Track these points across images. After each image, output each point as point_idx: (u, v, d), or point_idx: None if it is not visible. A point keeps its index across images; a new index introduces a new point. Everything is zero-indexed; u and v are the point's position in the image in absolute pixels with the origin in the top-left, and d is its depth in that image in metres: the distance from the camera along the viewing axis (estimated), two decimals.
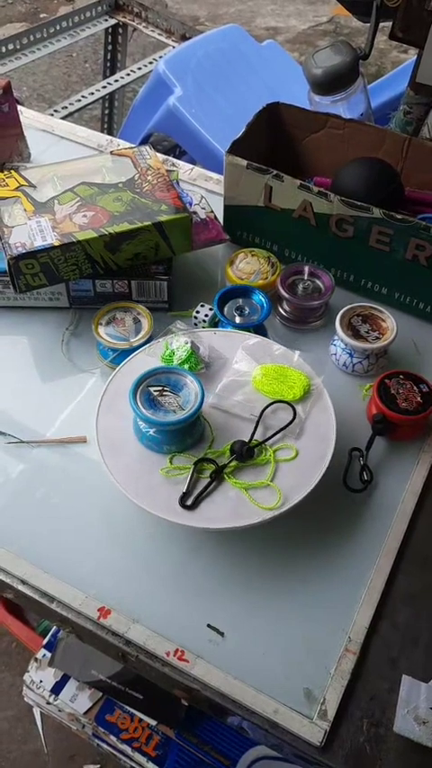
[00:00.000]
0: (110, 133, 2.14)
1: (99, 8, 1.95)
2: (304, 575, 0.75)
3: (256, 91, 1.61)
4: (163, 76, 1.61)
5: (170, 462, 0.75)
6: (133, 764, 1.12)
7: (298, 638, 0.71)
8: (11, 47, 1.80)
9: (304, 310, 0.96)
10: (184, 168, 1.20)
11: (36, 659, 1.20)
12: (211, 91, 1.61)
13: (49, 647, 1.21)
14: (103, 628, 0.71)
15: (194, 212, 1.03)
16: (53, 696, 1.16)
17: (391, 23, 1.04)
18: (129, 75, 1.93)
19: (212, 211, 1.05)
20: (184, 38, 1.91)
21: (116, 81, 1.92)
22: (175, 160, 1.23)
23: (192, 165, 1.22)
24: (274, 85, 1.64)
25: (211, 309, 0.92)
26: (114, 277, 0.92)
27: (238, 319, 0.90)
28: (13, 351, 0.94)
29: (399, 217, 0.88)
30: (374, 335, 0.90)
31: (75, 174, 0.96)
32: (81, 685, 1.16)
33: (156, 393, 0.75)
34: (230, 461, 0.75)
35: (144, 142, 1.69)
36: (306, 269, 0.97)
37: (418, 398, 0.83)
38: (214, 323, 0.92)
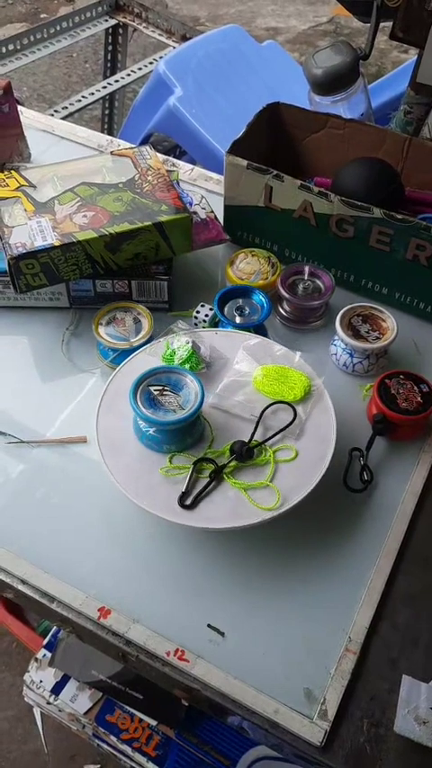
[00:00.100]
0: (110, 133, 2.14)
1: (99, 8, 1.95)
2: (304, 575, 0.75)
3: (257, 91, 1.61)
4: (163, 77, 1.61)
5: (170, 462, 0.75)
6: (133, 764, 1.12)
7: (298, 638, 0.71)
8: (11, 47, 1.80)
9: (304, 310, 0.96)
10: (184, 168, 1.20)
11: (36, 659, 1.20)
12: (212, 91, 1.61)
13: (49, 647, 1.21)
14: (104, 628, 0.71)
15: (195, 212, 1.03)
16: (53, 696, 1.16)
17: (391, 23, 1.04)
18: (129, 75, 1.93)
19: (213, 211, 1.05)
20: (184, 38, 1.91)
21: (116, 81, 1.92)
22: (175, 160, 1.23)
23: (192, 166, 1.22)
24: (275, 86, 1.64)
25: (211, 309, 0.92)
26: (115, 277, 0.92)
27: (238, 319, 0.90)
28: (14, 351, 0.94)
29: (399, 217, 0.89)
30: (375, 335, 0.90)
31: (75, 174, 0.96)
32: (81, 685, 1.16)
33: (156, 392, 0.75)
34: (230, 461, 0.75)
35: (144, 142, 1.69)
36: (306, 269, 0.97)
37: (419, 398, 0.83)
38: (214, 323, 0.92)
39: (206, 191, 1.14)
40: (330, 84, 1.14)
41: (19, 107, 1.15)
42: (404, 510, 0.80)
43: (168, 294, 0.95)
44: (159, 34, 1.96)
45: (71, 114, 1.78)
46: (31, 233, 0.87)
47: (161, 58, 1.78)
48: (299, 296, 0.95)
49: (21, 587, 0.74)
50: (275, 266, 0.98)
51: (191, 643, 0.70)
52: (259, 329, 0.90)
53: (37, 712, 1.25)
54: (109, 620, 0.71)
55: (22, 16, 3.42)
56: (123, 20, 1.97)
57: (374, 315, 0.92)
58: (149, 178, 0.96)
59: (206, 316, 0.92)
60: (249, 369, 0.82)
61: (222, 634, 0.71)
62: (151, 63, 1.93)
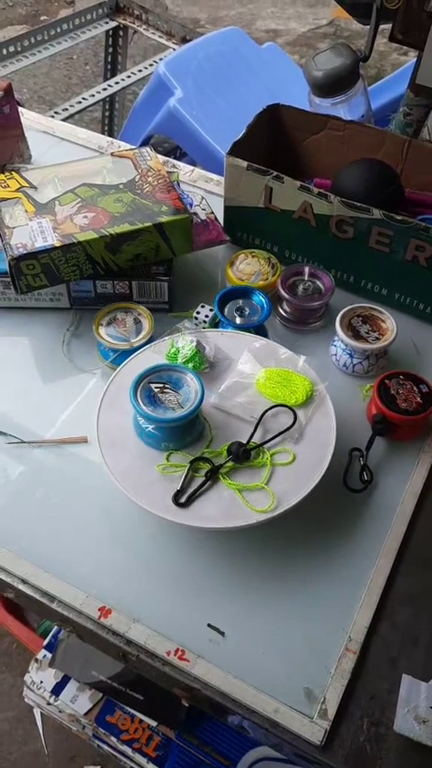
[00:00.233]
0: (110, 135, 2.14)
1: (99, 11, 1.96)
2: (304, 574, 0.75)
3: (257, 93, 1.62)
4: (163, 78, 1.61)
5: (167, 459, 0.75)
6: (133, 765, 1.12)
7: (298, 637, 0.71)
8: (12, 49, 1.80)
9: (304, 311, 0.97)
10: (184, 169, 1.20)
11: (36, 660, 1.20)
12: (212, 93, 1.62)
13: (49, 647, 1.21)
14: (104, 627, 0.71)
15: (195, 213, 1.03)
16: (53, 697, 1.16)
17: (390, 26, 1.04)
18: (129, 77, 1.93)
19: (213, 212, 1.05)
20: (184, 40, 1.92)
21: (117, 83, 1.93)
22: (175, 161, 1.23)
23: (192, 167, 1.22)
24: (274, 87, 1.65)
25: (211, 310, 0.92)
26: (115, 278, 0.93)
27: (238, 320, 0.90)
28: (14, 351, 0.94)
29: (398, 218, 0.89)
30: (374, 336, 0.90)
31: (75, 175, 0.96)
32: (81, 686, 1.16)
33: (157, 390, 0.76)
34: (226, 462, 0.75)
35: (144, 144, 1.70)
36: (306, 270, 0.98)
37: (418, 399, 0.83)
38: (214, 324, 0.92)
39: (206, 192, 1.14)
40: (331, 86, 1.14)
41: (19, 108, 1.16)
42: (404, 510, 0.80)
43: (169, 295, 0.95)
44: (159, 36, 1.97)
45: (71, 116, 1.78)
46: (32, 234, 0.87)
47: (161, 59, 1.78)
48: (299, 297, 0.95)
49: (21, 587, 0.74)
50: (275, 267, 0.98)
51: (191, 642, 0.70)
52: (259, 330, 0.91)
53: (37, 713, 1.25)
54: (109, 620, 0.71)
55: (22, 18, 3.43)
56: (123, 22, 1.98)
57: (374, 315, 0.92)
58: (150, 179, 0.96)
59: (206, 316, 0.92)
60: (253, 371, 0.83)
61: (222, 634, 0.71)
62: (151, 65, 1.93)
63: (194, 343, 0.82)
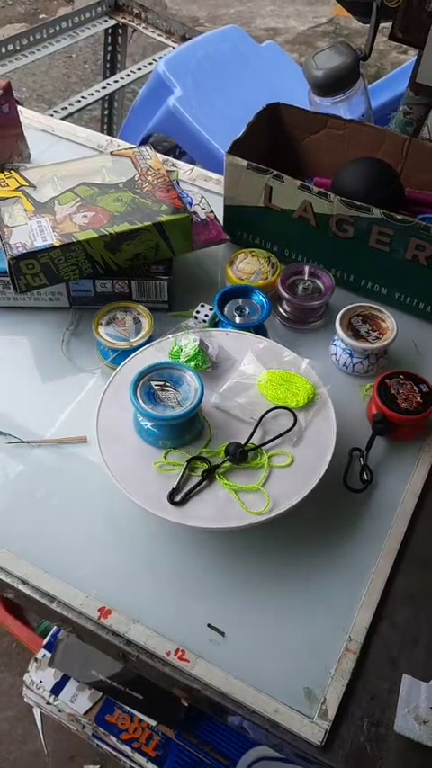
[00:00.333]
0: (110, 134, 2.14)
1: (99, 9, 1.95)
2: (304, 574, 0.75)
3: (256, 91, 1.61)
4: (163, 77, 1.61)
5: (164, 457, 0.75)
6: (133, 765, 1.12)
7: (298, 637, 0.71)
8: (11, 47, 1.80)
9: (304, 310, 0.96)
10: (184, 168, 1.20)
11: (36, 659, 1.20)
12: (211, 91, 1.61)
13: (49, 647, 1.21)
14: (104, 628, 0.71)
15: (194, 212, 1.03)
16: (53, 696, 1.16)
17: (390, 24, 1.04)
18: (128, 75, 1.93)
19: (212, 212, 1.05)
20: (183, 38, 1.91)
21: (116, 82, 1.92)
22: (174, 160, 1.23)
23: (192, 166, 1.22)
24: (274, 86, 1.64)
25: (211, 309, 0.92)
26: (115, 277, 0.93)
27: (238, 319, 0.90)
28: (14, 351, 0.94)
29: (399, 217, 0.89)
30: (374, 335, 0.90)
31: (75, 174, 0.96)
32: (81, 686, 1.16)
33: (157, 387, 0.76)
34: (223, 462, 0.75)
35: (144, 143, 1.70)
36: (306, 269, 0.97)
37: (419, 398, 0.83)
38: (214, 323, 0.92)
39: (206, 191, 1.14)
40: (331, 85, 1.14)
41: (19, 107, 1.15)
42: (404, 510, 0.80)
43: (168, 294, 0.95)
44: (159, 35, 1.96)
45: (71, 114, 1.78)
46: (32, 233, 0.87)
47: (161, 58, 1.78)
48: (299, 296, 0.95)
49: (21, 587, 0.74)
50: (275, 266, 0.98)
51: (191, 643, 0.70)
52: (259, 329, 0.90)
53: (37, 713, 1.25)
54: (109, 620, 0.71)
55: (21, 17, 3.42)
56: (123, 20, 1.97)
57: (374, 315, 0.92)
58: (149, 178, 0.96)
59: (206, 316, 0.92)
60: (255, 372, 0.82)
61: (223, 634, 0.71)
62: (151, 63, 1.93)
63: (197, 342, 0.81)
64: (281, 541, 0.77)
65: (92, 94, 1.87)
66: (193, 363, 0.80)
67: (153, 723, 1.13)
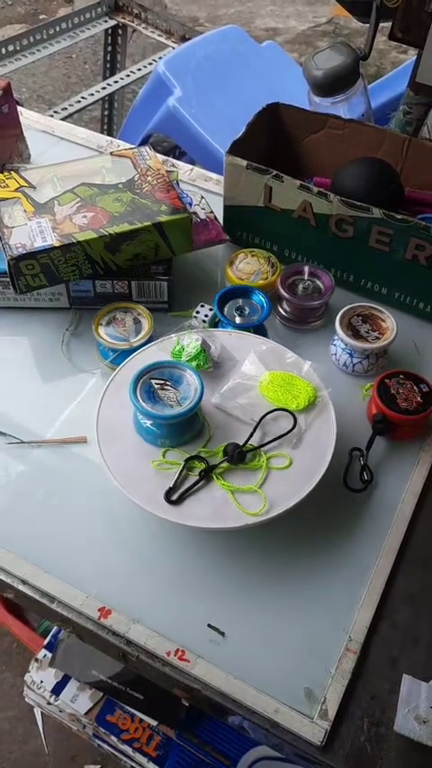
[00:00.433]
0: (109, 134, 2.14)
1: (98, 9, 1.95)
2: (304, 574, 0.75)
3: (256, 91, 1.61)
4: (163, 77, 1.61)
5: (163, 456, 0.75)
6: (134, 765, 1.12)
7: (299, 637, 0.71)
8: (11, 48, 1.80)
9: (304, 310, 0.96)
10: (183, 169, 1.20)
11: (37, 659, 1.20)
12: (211, 91, 1.61)
13: (49, 647, 1.21)
14: (104, 628, 0.71)
15: (194, 213, 1.03)
16: (54, 696, 1.16)
17: (390, 24, 1.04)
18: (128, 76, 1.93)
19: (212, 212, 1.05)
20: (183, 39, 1.91)
21: (116, 82, 1.92)
22: (174, 161, 1.23)
23: (191, 166, 1.22)
24: (274, 86, 1.64)
25: (211, 310, 0.92)
26: (114, 277, 0.93)
27: (238, 319, 0.90)
28: (14, 351, 0.94)
29: (398, 217, 0.89)
30: (374, 335, 0.90)
31: (75, 174, 0.96)
32: (82, 686, 1.16)
33: (157, 386, 0.76)
34: (221, 462, 0.75)
35: (144, 143, 1.70)
36: (306, 269, 0.97)
37: (418, 398, 0.83)
38: (214, 323, 0.92)
39: (206, 191, 1.14)
40: (331, 85, 1.14)
41: (18, 108, 1.15)
42: (404, 510, 0.80)
43: (168, 294, 0.95)
44: (159, 35, 1.96)
45: (71, 115, 1.78)
46: (31, 234, 0.87)
47: (160, 58, 1.78)
48: (299, 296, 0.95)
49: (21, 587, 0.74)
50: (275, 266, 0.98)
51: (191, 643, 0.70)
52: (259, 329, 0.90)
53: (37, 712, 1.25)
54: (109, 620, 0.71)
55: (21, 17, 3.42)
56: (122, 21, 1.97)
57: (374, 315, 0.92)
58: (149, 179, 0.96)
59: (206, 316, 0.92)
60: (257, 373, 0.82)
61: (223, 634, 0.71)
62: (150, 64, 1.93)
63: (200, 342, 0.81)
64: (281, 541, 0.77)
65: (92, 95, 1.87)
66: (194, 363, 0.80)
67: (154, 723, 1.13)
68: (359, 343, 0.89)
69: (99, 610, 0.72)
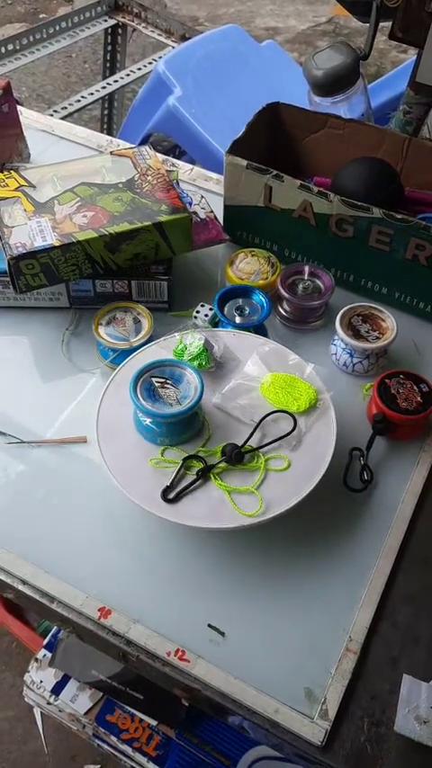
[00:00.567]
0: (109, 133, 2.14)
1: (98, 9, 1.95)
2: (305, 574, 0.75)
3: (256, 91, 1.61)
4: (162, 77, 1.61)
5: (161, 454, 0.75)
6: (134, 765, 1.12)
7: (299, 637, 0.71)
8: (10, 47, 1.80)
9: (304, 310, 0.96)
10: (183, 168, 1.20)
11: (36, 659, 1.20)
12: (211, 91, 1.61)
13: (49, 647, 1.21)
14: (104, 628, 0.71)
15: (194, 212, 1.03)
16: (53, 696, 1.16)
17: (390, 23, 1.04)
18: (128, 75, 1.93)
19: (212, 211, 1.05)
20: (183, 38, 1.91)
21: (116, 81, 1.92)
22: (174, 160, 1.23)
23: (191, 166, 1.22)
24: (274, 86, 1.64)
25: (211, 309, 0.92)
26: (114, 277, 0.92)
27: (238, 319, 0.90)
28: (14, 351, 0.94)
29: (399, 217, 0.89)
30: (374, 335, 0.90)
31: (74, 174, 0.96)
32: (81, 685, 1.16)
33: (158, 384, 0.76)
34: (219, 462, 0.75)
35: (144, 142, 1.69)
36: (306, 269, 0.97)
37: (419, 398, 0.83)
38: (214, 323, 0.92)
39: (206, 191, 1.14)
40: (331, 85, 1.14)
41: (18, 107, 1.15)
42: (404, 509, 0.80)
43: (168, 294, 0.95)
44: (158, 34, 1.96)
45: (70, 114, 1.78)
46: (31, 233, 0.87)
47: (160, 57, 1.78)
48: (299, 296, 0.95)
49: (21, 587, 0.74)
50: (275, 266, 0.98)
51: (191, 643, 0.70)
52: (259, 329, 0.90)
53: (37, 712, 1.25)
54: (109, 621, 0.71)
55: (21, 16, 3.42)
56: (122, 20, 1.97)
57: (374, 315, 0.92)
58: (149, 178, 0.96)
59: (206, 316, 0.92)
60: (259, 374, 0.82)
61: (223, 634, 0.71)
62: (150, 63, 1.93)
63: (202, 342, 0.81)
64: (281, 541, 0.77)
65: (92, 94, 1.87)
66: (196, 362, 0.80)
67: (153, 723, 1.13)
68: (359, 343, 0.89)
69: (99, 610, 0.71)
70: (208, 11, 3.51)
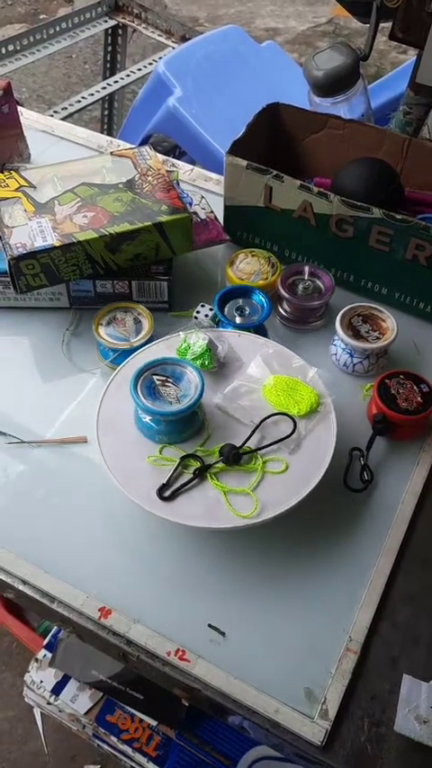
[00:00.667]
0: (110, 134, 2.14)
1: (99, 9, 1.95)
2: (305, 574, 0.75)
3: (256, 92, 1.61)
4: (163, 77, 1.61)
5: (159, 452, 0.75)
6: (134, 765, 1.12)
7: (299, 637, 0.71)
8: (11, 48, 1.80)
9: (304, 310, 0.96)
10: (184, 169, 1.20)
11: (36, 659, 1.20)
12: (211, 91, 1.61)
13: (49, 647, 1.21)
14: (104, 628, 0.71)
15: (194, 213, 1.03)
16: (54, 696, 1.16)
17: (390, 24, 1.04)
18: (128, 75, 1.93)
19: (212, 212, 1.05)
20: (183, 39, 1.92)
21: (116, 82, 1.92)
22: (174, 161, 1.23)
23: (192, 166, 1.22)
24: (274, 86, 1.64)
25: (211, 309, 0.92)
26: (115, 277, 0.93)
27: (238, 319, 0.90)
28: (14, 351, 0.94)
29: (398, 217, 0.89)
30: (375, 335, 0.90)
31: (75, 174, 0.96)
32: (81, 686, 1.16)
33: (159, 382, 0.76)
34: (216, 462, 0.75)
35: (144, 143, 1.70)
36: (306, 269, 0.97)
37: (419, 398, 0.83)
38: (215, 323, 0.92)
39: (206, 191, 1.14)
40: (331, 85, 1.14)
41: (18, 108, 1.15)
42: (404, 510, 0.80)
43: (168, 294, 0.95)
44: (159, 35, 1.96)
45: (71, 115, 1.78)
46: (32, 233, 0.87)
47: (160, 58, 1.78)
48: (299, 296, 0.95)
49: (21, 587, 0.74)
50: (275, 266, 0.98)
51: (191, 643, 0.70)
52: (259, 329, 0.90)
53: (37, 713, 1.25)
54: (110, 620, 0.71)
55: (21, 17, 3.42)
56: (123, 21, 1.97)
57: (374, 315, 0.92)
58: (149, 178, 0.96)
59: (206, 316, 0.92)
60: (261, 376, 0.82)
61: (223, 634, 0.71)
62: (151, 64, 1.93)
63: (206, 341, 0.81)
64: (281, 541, 0.77)
65: (92, 95, 1.87)
66: (198, 362, 0.80)
67: (153, 723, 1.13)
68: (359, 344, 0.89)
69: (99, 610, 0.72)
70: (208, 11, 3.51)
